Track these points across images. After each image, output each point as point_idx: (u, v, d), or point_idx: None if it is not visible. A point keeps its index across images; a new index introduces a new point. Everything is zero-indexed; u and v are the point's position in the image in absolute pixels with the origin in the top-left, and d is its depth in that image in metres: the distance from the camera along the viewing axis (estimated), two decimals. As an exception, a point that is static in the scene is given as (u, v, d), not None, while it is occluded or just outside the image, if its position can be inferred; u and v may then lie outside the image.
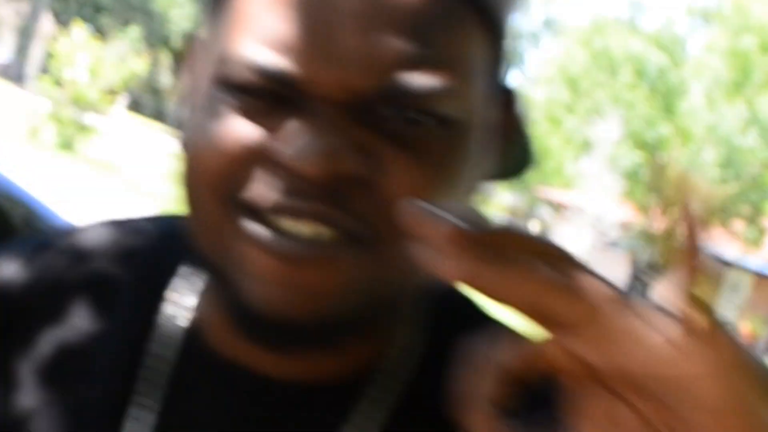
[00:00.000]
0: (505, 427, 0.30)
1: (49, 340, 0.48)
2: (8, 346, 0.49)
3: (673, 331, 0.27)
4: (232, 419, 0.45)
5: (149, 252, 0.51)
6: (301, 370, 0.44)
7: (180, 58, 0.48)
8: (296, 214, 0.37)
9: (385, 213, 0.37)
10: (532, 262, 0.27)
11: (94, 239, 0.52)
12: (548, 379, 0.30)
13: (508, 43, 0.43)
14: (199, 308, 0.47)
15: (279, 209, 0.38)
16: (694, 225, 0.27)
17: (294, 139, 0.36)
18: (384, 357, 0.45)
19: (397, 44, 0.37)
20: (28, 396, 0.48)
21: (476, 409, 0.30)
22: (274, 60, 0.37)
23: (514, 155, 0.49)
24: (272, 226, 0.38)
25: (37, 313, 0.49)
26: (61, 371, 0.48)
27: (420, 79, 0.37)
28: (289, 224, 0.37)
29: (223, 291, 0.41)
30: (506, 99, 0.45)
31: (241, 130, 0.38)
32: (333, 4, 0.37)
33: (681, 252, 0.27)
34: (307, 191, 0.37)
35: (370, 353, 0.45)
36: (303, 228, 0.37)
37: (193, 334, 0.47)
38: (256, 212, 0.38)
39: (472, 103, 0.40)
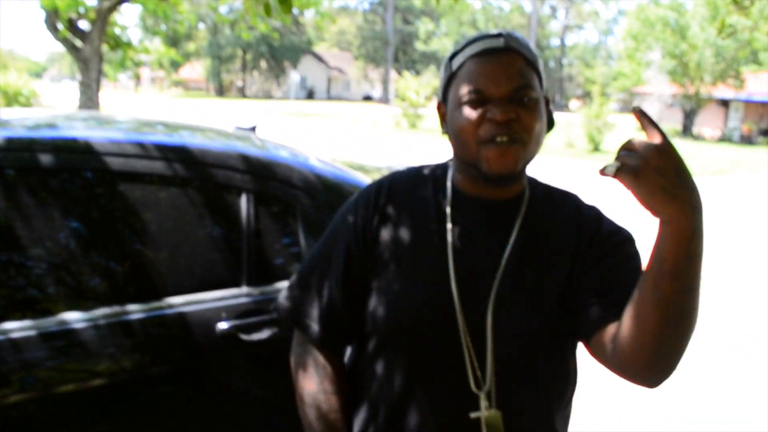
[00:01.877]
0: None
1: (402, 209, 1.29)
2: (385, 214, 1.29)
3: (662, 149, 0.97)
4: (479, 219, 1.24)
5: (438, 169, 1.34)
6: (501, 195, 1.25)
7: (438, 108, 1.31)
8: (500, 134, 1.15)
9: (526, 131, 1.17)
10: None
11: (419, 168, 1.36)
12: None
13: (543, 79, 1.25)
14: (455, 178, 1.29)
15: (494, 134, 1.16)
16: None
17: (493, 110, 1.16)
18: (521, 191, 1.27)
19: (517, 77, 1.18)
20: (397, 236, 1.28)
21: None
22: (481, 87, 1.18)
23: (549, 121, 1.27)
24: (493, 142, 1.16)
25: (399, 198, 1.30)
26: (410, 222, 1.28)
27: (524, 87, 1.18)
28: (498, 138, 1.15)
29: (472, 169, 1.21)
30: (546, 98, 1.26)
31: (474, 113, 1.18)
32: (492, 69, 1.19)
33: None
34: (501, 125, 1.15)
35: (516, 190, 1.26)
36: (503, 138, 1.15)
37: (455, 187, 1.28)
38: (486, 141, 1.16)
39: (539, 96, 1.21)
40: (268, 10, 4.02)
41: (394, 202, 1.29)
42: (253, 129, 2.80)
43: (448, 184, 1.29)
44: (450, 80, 1.25)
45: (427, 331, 1.20)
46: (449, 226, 1.24)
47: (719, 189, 14.99)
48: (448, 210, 1.26)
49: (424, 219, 1.27)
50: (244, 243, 1.98)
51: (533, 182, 1.32)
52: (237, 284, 1.95)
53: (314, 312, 1.31)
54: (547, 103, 1.26)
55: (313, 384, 1.29)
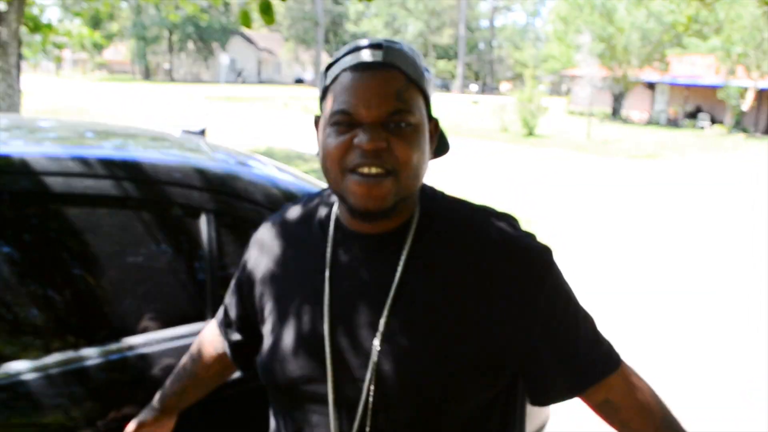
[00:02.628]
0: None
1: (281, 256, 1.20)
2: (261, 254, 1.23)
3: None
4: (359, 259, 1.11)
5: (319, 199, 1.23)
6: (379, 228, 1.09)
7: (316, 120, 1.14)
8: (366, 164, 1.00)
9: (398, 162, 1.01)
10: None
11: (310, 198, 1.26)
12: None
13: (430, 99, 1.10)
14: (340, 209, 1.15)
15: (361, 164, 1.01)
16: None
17: (361, 136, 1.00)
18: (409, 218, 1.11)
19: (391, 100, 1.01)
20: (270, 270, 1.21)
21: None
22: (349, 109, 1.02)
23: (439, 145, 1.19)
24: (358, 173, 1.01)
25: (280, 236, 1.22)
26: (288, 271, 1.19)
27: (400, 112, 1.02)
28: (365, 170, 1.01)
29: (344, 202, 1.06)
30: (433, 120, 1.12)
31: (341, 139, 1.03)
32: (364, 88, 1.01)
33: None
34: (368, 154, 1.00)
35: (403, 218, 1.10)
36: (370, 170, 1.01)
37: (339, 221, 1.15)
38: (351, 170, 1.02)
39: (420, 121, 1.05)
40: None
41: (270, 248, 1.23)
42: (202, 132, 2.56)
43: (332, 218, 1.16)
44: (324, 94, 1.09)
45: (298, 394, 1.12)
46: (327, 274, 1.11)
47: (650, 173, 15.35)
48: (328, 253, 1.13)
49: (303, 267, 1.17)
50: (207, 271, 1.76)
51: (430, 202, 1.13)
52: (201, 318, 1.74)
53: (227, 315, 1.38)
54: (437, 126, 1.13)
55: (193, 346, 1.46)
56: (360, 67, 1.03)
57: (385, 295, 1.06)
